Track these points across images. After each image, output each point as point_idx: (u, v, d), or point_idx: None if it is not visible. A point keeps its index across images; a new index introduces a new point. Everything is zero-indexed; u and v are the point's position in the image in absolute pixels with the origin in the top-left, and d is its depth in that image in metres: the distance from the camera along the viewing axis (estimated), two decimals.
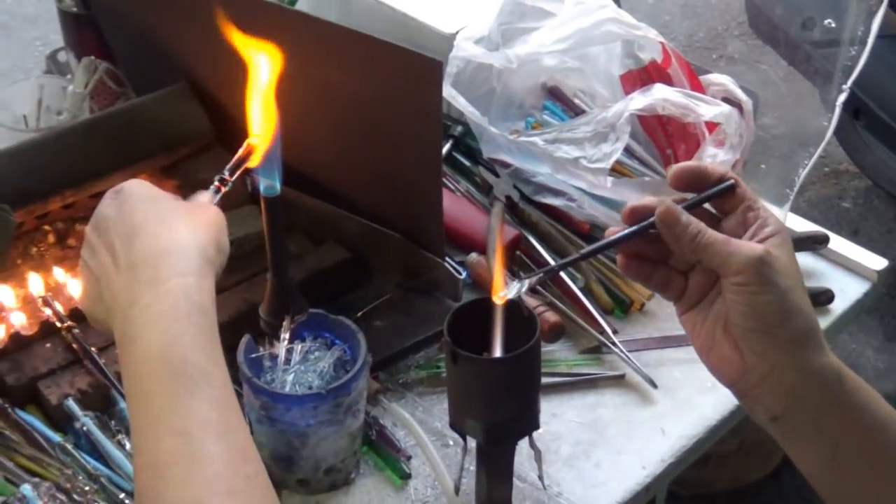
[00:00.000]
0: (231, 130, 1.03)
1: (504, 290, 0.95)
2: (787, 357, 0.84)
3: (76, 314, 1.30)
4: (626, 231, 0.90)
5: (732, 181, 0.89)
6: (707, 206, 0.90)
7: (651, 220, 0.88)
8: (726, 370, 0.88)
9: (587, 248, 0.95)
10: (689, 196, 0.91)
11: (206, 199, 0.98)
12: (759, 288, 0.83)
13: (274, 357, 1.16)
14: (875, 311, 2.97)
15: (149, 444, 0.81)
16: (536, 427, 1.09)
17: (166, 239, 0.90)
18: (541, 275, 0.97)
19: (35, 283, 1.31)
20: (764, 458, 2.45)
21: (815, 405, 0.85)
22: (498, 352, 1.02)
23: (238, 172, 1.00)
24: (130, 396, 0.85)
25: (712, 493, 2.45)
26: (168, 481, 0.79)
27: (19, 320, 1.30)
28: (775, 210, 1.53)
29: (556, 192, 1.51)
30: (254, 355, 1.16)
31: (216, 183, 1.00)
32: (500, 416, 1.05)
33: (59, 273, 1.34)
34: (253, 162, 1.00)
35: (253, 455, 0.82)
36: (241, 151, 0.99)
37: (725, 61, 3.93)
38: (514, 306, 1.01)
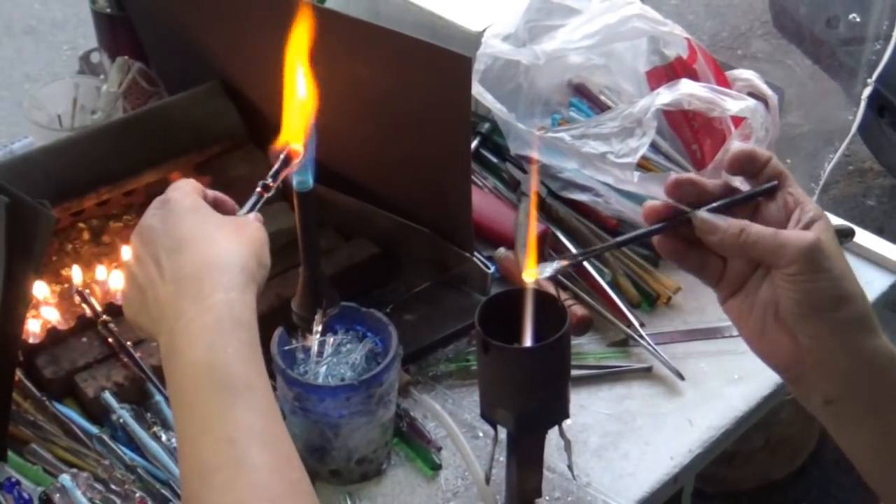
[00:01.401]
0: (263, 127, 1.04)
1: (537, 268, 0.95)
2: (842, 341, 0.84)
3: (112, 309, 1.32)
4: (667, 223, 0.90)
5: (774, 183, 0.89)
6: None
7: (687, 215, 0.88)
8: (779, 356, 0.88)
9: (620, 238, 0.97)
10: (717, 189, 0.90)
11: (249, 213, 1.01)
12: (813, 276, 0.83)
13: (306, 349, 1.18)
14: None
15: (194, 451, 0.84)
16: (566, 416, 1.10)
17: (211, 254, 0.92)
18: (573, 260, 0.99)
19: (76, 275, 1.34)
20: (790, 455, 2.45)
21: (870, 388, 0.86)
22: (528, 342, 1.03)
23: (280, 178, 1.02)
24: (176, 406, 0.89)
25: (739, 491, 2.46)
26: (212, 487, 0.81)
27: (55, 315, 1.32)
28: None
29: (583, 188, 1.52)
30: (287, 347, 1.18)
31: (259, 189, 1.02)
32: (531, 404, 1.07)
33: (95, 268, 1.36)
34: (293, 167, 1.01)
35: (297, 463, 0.85)
36: (282, 157, 1.01)
37: (750, 61, 3.92)
38: (543, 297, 1.02)
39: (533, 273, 0.95)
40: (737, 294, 0.90)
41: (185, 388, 0.87)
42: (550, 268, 0.94)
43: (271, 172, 1.01)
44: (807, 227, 0.86)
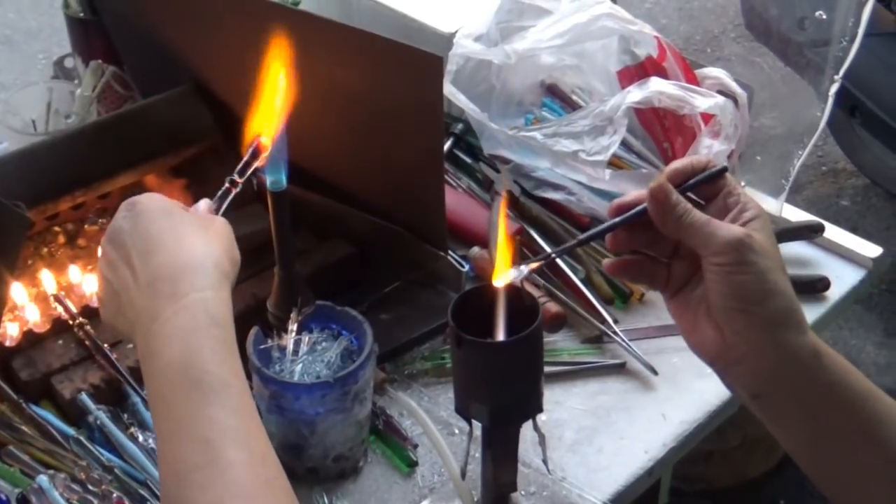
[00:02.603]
0: (237, 129, 1.05)
1: (505, 274, 0.98)
2: (766, 336, 0.86)
3: (88, 311, 1.32)
4: (622, 217, 0.92)
5: (724, 165, 0.92)
6: (690, 194, 0.92)
7: (644, 206, 0.91)
8: (707, 349, 0.90)
9: (583, 235, 0.98)
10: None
11: (207, 208, 1.00)
12: (737, 268, 0.86)
13: (282, 348, 1.19)
14: (875, 307, 2.99)
15: (171, 451, 0.85)
16: (540, 410, 1.11)
17: (183, 254, 0.93)
18: (541, 261, 1.01)
19: (48, 281, 1.34)
20: (767, 452, 2.46)
21: (794, 382, 0.87)
22: (501, 337, 1.04)
23: (248, 173, 1.02)
24: (154, 408, 0.89)
25: (716, 489, 2.47)
26: (190, 486, 0.82)
27: (32, 318, 1.32)
28: (771, 200, 1.56)
29: (556, 187, 1.54)
30: (262, 346, 1.18)
31: (226, 185, 1.02)
32: (505, 398, 1.08)
33: (70, 271, 1.37)
34: (261, 161, 1.02)
35: (273, 460, 0.85)
36: (249, 152, 1.02)
37: (723, 63, 3.95)
38: (515, 293, 1.04)
39: (502, 279, 0.99)
40: (678, 294, 0.94)
41: (162, 388, 0.88)
42: (517, 273, 0.97)
43: (238, 167, 1.01)
44: (743, 224, 0.88)
